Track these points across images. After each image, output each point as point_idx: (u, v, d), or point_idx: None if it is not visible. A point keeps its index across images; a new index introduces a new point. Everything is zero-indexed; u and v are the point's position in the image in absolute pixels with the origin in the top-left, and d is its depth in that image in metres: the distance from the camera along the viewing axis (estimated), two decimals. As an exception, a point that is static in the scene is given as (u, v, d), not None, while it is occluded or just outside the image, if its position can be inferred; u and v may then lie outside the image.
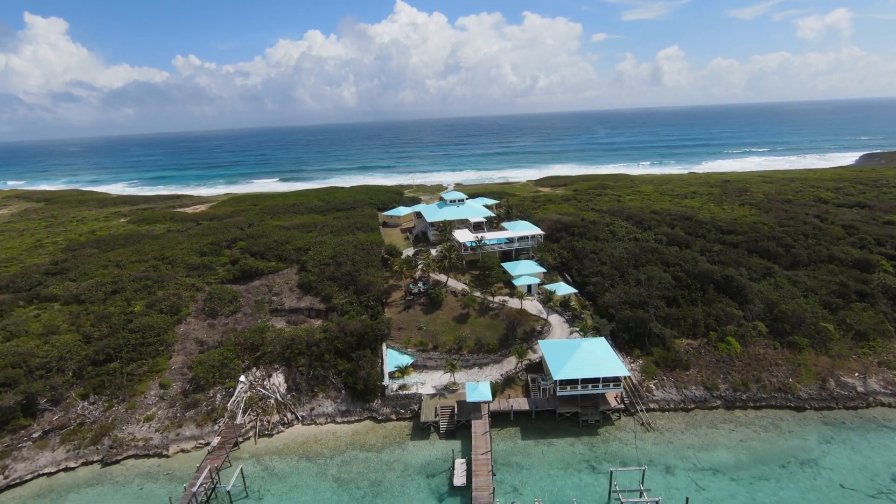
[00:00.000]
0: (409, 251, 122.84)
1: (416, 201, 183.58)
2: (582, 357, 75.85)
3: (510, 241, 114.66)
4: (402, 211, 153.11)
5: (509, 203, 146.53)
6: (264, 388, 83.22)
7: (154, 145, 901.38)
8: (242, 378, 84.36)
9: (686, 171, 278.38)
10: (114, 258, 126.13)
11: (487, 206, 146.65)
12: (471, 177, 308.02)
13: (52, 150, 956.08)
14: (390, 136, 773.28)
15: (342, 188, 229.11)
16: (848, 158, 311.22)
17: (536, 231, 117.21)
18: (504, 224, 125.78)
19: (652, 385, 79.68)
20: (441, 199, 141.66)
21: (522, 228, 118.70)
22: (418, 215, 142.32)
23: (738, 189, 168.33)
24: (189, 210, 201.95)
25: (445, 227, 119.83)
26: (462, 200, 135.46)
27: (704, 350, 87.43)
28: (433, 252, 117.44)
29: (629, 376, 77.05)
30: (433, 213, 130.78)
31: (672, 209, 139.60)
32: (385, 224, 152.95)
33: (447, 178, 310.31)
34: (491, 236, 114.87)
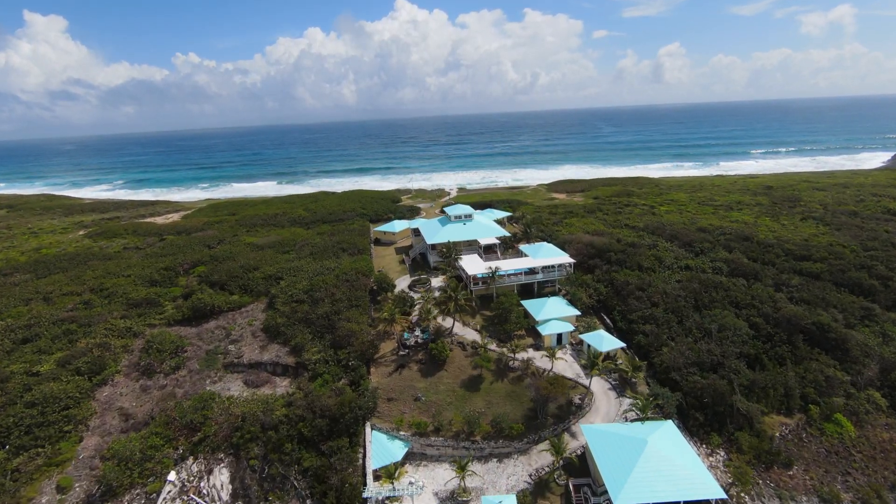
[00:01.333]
0: (404, 280, 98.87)
1: (414, 213, 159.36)
2: (651, 463, 51.78)
3: (532, 271, 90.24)
4: (398, 226, 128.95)
5: (527, 220, 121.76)
6: (200, 494, 59.29)
7: (150, 144, 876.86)
8: (172, 476, 60.42)
9: (709, 173, 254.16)
10: (44, 288, 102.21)
11: (498, 221, 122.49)
12: (474, 178, 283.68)
13: (48, 149, 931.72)
14: (389, 135, 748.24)
15: (333, 194, 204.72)
16: (879, 158, 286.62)
17: (564, 258, 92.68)
18: (522, 247, 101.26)
19: (747, 499, 55.52)
20: (443, 213, 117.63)
21: (546, 254, 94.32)
22: (416, 233, 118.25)
23: (789, 198, 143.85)
24: (160, 220, 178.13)
25: (450, 252, 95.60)
26: (469, 216, 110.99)
27: (806, 434, 63.42)
28: (435, 284, 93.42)
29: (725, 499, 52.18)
30: (434, 231, 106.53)
31: (722, 226, 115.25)
32: (378, 241, 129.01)
33: (448, 179, 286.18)
34: (507, 265, 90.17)
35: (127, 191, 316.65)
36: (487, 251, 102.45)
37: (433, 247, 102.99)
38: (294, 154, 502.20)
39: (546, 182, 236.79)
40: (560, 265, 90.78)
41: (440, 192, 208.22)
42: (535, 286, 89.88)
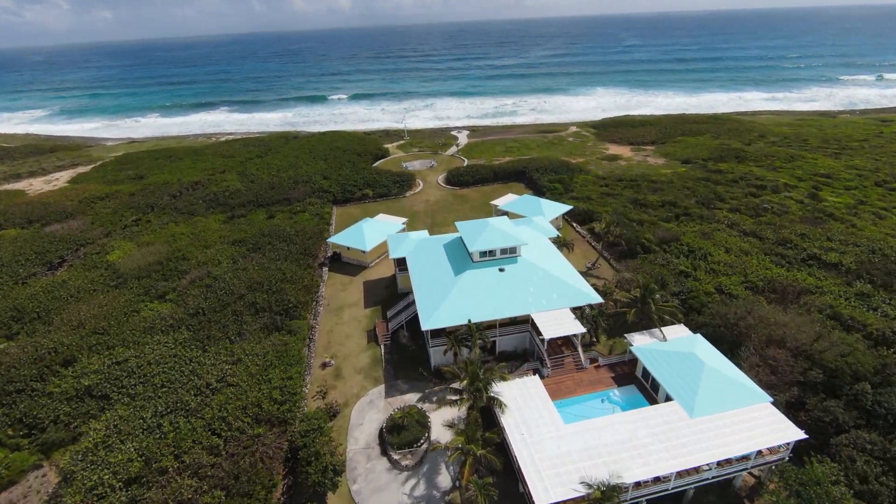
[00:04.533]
0: (372, 407, 44.03)
1: (404, 186, 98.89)
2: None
3: (696, 470, 34.47)
4: (373, 235, 70.09)
5: (621, 234, 62.67)
6: None
7: (121, 55, 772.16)
8: None
9: (811, 108, 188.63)
10: None
11: (561, 220, 64.29)
12: (486, 108, 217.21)
13: (13, 59, 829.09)
14: (385, 46, 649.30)
15: (296, 140, 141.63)
16: None
17: (767, 413, 36.37)
18: (647, 364, 43.09)
19: None
20: (466, 249, 56.16)
21: (714, 385, 37.65)
22: (401, 266, 60.43)
23: None
24: (36, 184, 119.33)
25: (472, 343, 40.46)
26: (509, 253, 51.68)
27: None
28: (440, 417, 39.19)
29: None
30: (439, 289, 49.05)
31: None
32: (335, 258, 71.94)
33: (453, 109, 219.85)
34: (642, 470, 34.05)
35: (61, 120, 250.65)
36: (555, 351, 46.16)
37: (440, 333, 46.58)
38: (272, 69, 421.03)
39: (587, 121, 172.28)
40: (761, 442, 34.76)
41: (444, 138, 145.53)
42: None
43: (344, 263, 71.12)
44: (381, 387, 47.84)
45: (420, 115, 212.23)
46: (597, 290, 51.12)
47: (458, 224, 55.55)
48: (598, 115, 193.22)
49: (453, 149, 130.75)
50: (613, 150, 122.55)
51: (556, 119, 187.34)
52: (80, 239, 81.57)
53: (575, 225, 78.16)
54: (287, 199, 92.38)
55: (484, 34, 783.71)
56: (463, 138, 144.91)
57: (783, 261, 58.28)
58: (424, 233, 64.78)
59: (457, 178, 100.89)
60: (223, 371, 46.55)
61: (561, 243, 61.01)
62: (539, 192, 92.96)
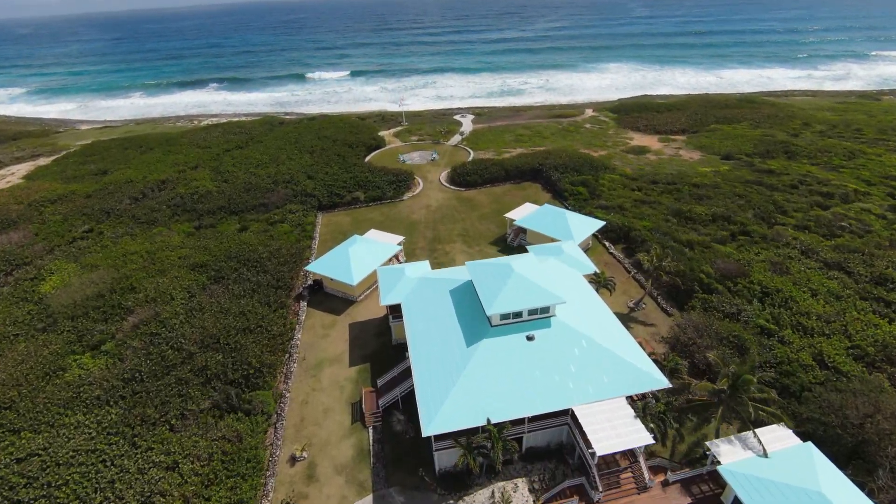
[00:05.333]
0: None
1: (402, 187, 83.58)
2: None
3: None
4: (360, 266, 55.51)
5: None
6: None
7: (112, 27, 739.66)
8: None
9: (850, 88, 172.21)
10: None
11: (591, 237, 50.42)
12: (491, 86, 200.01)
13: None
14: (381, 18, 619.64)
15: (280, 127, 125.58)
16: None
17: None
18: None
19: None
20: (481, 305, 43.23)
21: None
22: (395, 314, 46.92)
23: None
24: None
25: (494, 453, 28.84)
26: (542, 314, 37.05)
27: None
28: None
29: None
30: (442, 374, 35.66)
31: None
32: (316, 288, 58.28)
33: (456, 87, 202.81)
34: None
35: (39, 99, 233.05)
36: (608, 464, 33.11)
37: (444, 436, 33.49)
38: (265, 43, 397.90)
39: (602, 102, 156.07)
40: None
41: (446, 125, 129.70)
42: None
43: (327, 295, 57.62)
44: (369, 498, 35.07)
45: (420, 93, 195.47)
46: (651, 353, 37.75)
47: (471, 268, 41.63)
48: (614, 95, 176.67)
49: (457, 137, 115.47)
50: (638, 139, 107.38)
51: (568, 100, 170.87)
52: (16, 258, 67.92)
53: (608, 245, 64.22)
54: (264, 205, 78.14)
55: (484, 4, 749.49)
56: (467, 124, 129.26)
57: (889, 310, 44.73)
58: (425, 265, 50.96)
59: (462, 178, 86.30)
60: (151, 485, 33.66)
61: (600, 282, 47.41)
62: (559, 196, 78.71)
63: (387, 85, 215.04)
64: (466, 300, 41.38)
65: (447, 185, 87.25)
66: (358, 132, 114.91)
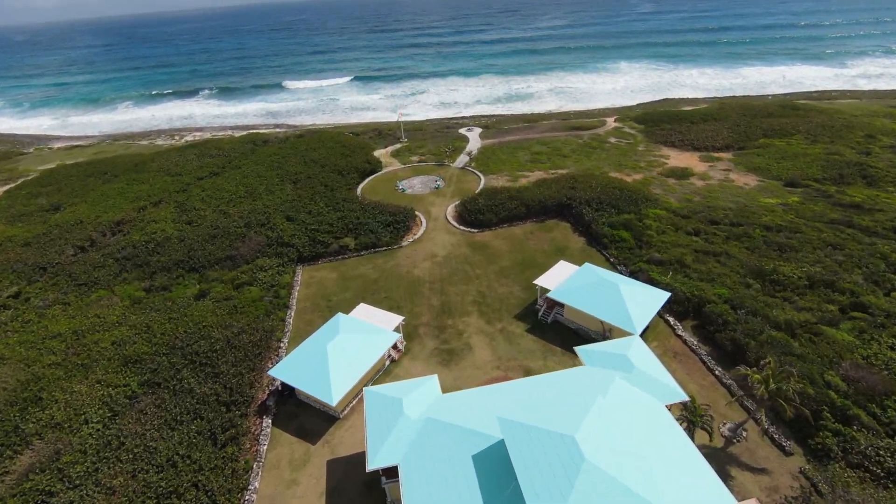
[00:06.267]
0: None
1: (400, 229, 66.62)
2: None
3: None
4: (342, 375, 39.16)
5: None
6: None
7: (107, 33, 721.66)
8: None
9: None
10: None
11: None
12: (497, 92, 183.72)
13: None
14: (380, 18, 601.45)
15: (263, 147, 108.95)
16: None
17: None
18: None
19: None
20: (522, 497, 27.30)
21: None
22: (390, 475, 30.80)
23: None
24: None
25: None
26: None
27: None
28: None
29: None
30: None
31: None
32: (285, 394, 42.12)
33: (459, 92, 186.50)
34: None
35: (20, 113, 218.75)
36: None
37: None
38: (261, 47, 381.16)
39: (621, 107, 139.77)
40: None
41: (452, 139, 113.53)
42: None
43: (301, 405, 42.09)
44: None
45: (422, 100, 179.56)
46: None
47: (508, 435, 25.87)
48: (631, 99, 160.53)
49: (463, 158, 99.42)
50: (675, 157, 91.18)
51: (583, 106, 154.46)
52: None
53: (672, 322, 48.10)
54: (231, 258, 62.52)
55: (483, 3, 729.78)
56: (474, 139, 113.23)
57: None
58: (432, 384, 35.13)
59: (473, 215, 70.32)
60: None
61: (693, 419, 31.65)
62: (595, 241, 62.84)
63: (385, 91, 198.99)
64: (499, 475, 25.68)
65: (455, 224, 71.38)
66: (350, 153, 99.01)
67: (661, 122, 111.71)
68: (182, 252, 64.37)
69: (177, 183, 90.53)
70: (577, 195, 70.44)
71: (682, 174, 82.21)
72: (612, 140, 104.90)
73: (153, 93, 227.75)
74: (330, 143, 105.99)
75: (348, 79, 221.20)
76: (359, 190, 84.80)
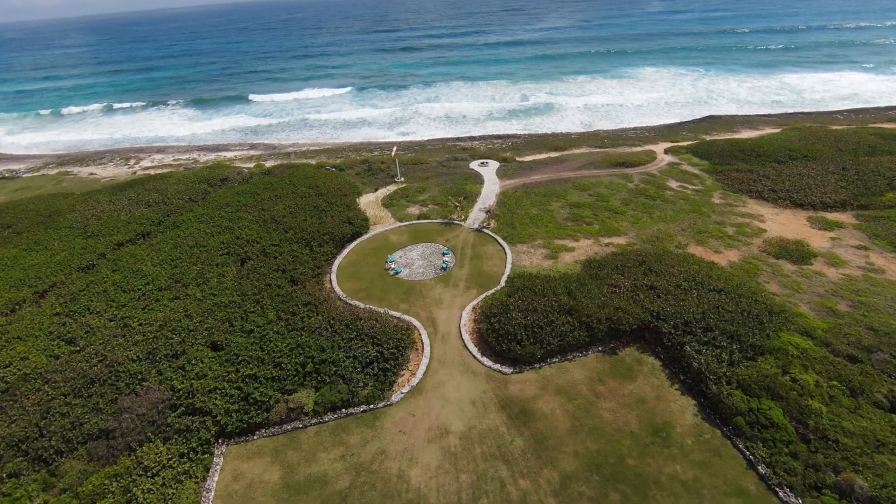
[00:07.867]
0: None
1: (388, 369, 38.69)
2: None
3: None
4: None
5: None
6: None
7: (101, 30, 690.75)
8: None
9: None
10: None
11: None
12: (509, 103, 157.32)
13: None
14: (377, 16, 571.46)
15: (212, 197, 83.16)
16: None
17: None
18: None
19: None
20: None
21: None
22: None
23: None
24: None
25: None
26: None
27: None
28: None
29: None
30: None
31: None
32: None
33: (465, 102, 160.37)
34: None
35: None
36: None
37: None
38: (250, 49, 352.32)
39: (659, 125, 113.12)
40: None
41: (462, 178, 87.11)
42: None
43: None
44: None
45: (424, 112, 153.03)
46: None
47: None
48: (668, 113, 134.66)
49: (479, 214, 72.83)
50: (773, 219, 64.85)
51: (613, 125, 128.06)
52: None
53: None
54: (106, 436, 36.41)
55: (485, 2, 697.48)
56: (490, 178, 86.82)
57: None
58: None
59: (504, 340, 43.90)
60: None
61: None
62: (714, 409, 36.66)
63: (381, 101, 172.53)
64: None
65: (476, 351, 45.04)
66: (328, 204, 72.65)
67: (731, 157, 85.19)
68: (28, 420, 38.16)
69: (86, 253, 64.19)
70: (663, 309, 44.10)
71: (798, 253, 55.95)
72: (673, 185, 78.45)
73: (125, 105, 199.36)
74: (303, 187, 79.43)
75: (341, 90, 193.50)
76: (333, 275, 58.33)
